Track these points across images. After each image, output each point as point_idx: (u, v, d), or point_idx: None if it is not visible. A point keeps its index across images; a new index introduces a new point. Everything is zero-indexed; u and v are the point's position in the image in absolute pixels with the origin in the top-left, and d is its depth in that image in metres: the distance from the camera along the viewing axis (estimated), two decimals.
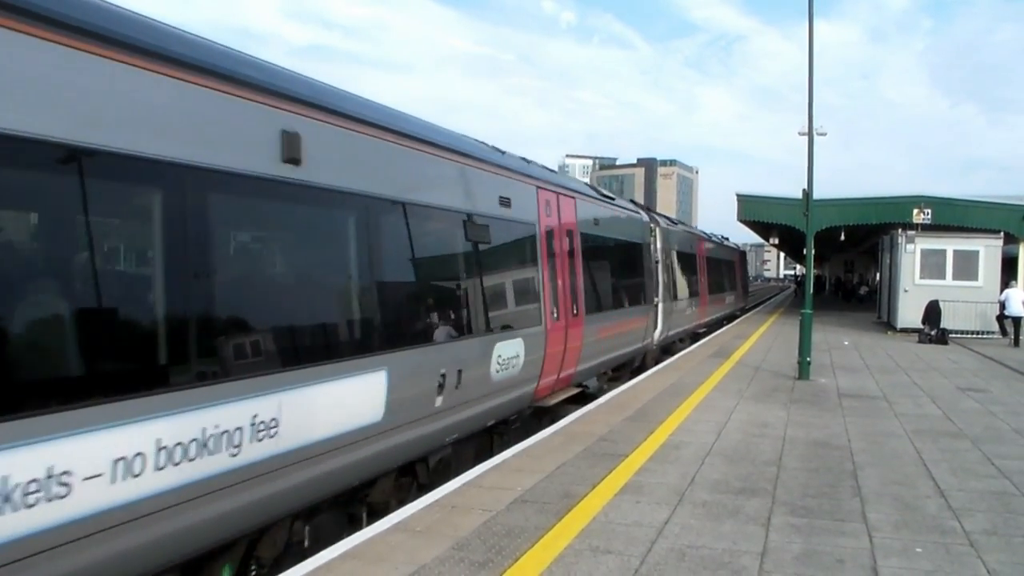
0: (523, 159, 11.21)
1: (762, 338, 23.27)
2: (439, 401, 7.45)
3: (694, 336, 24.37)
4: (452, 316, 8.26)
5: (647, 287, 17.28)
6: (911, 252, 24.95)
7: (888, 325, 27.33)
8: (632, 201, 19.63)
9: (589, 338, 12.26)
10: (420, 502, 6.60)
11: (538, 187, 10.81)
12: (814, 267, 23.41)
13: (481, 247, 8.83)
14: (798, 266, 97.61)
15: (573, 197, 12.39)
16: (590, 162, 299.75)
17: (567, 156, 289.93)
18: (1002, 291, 23.69)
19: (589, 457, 8.19)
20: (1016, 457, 8.68)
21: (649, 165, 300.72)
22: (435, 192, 7.90)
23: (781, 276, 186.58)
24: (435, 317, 7.84)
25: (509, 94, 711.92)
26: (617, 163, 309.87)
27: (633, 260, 16.59)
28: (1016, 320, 22.79)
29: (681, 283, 21.91)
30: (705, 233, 32.63)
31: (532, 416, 11.06)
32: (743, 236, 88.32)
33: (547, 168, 12.28)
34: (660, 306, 18.60)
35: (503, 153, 10.35)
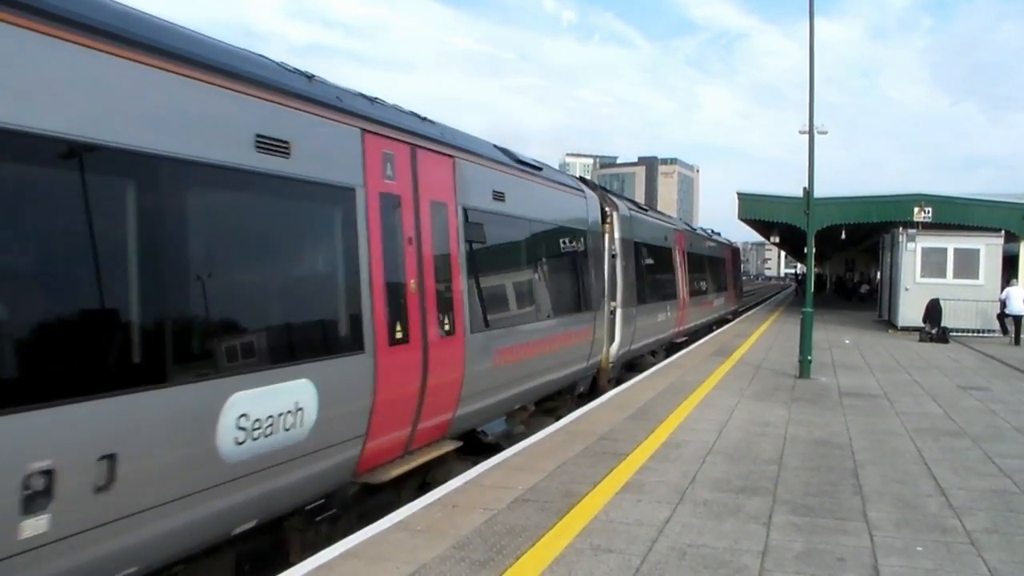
0: (367, 97, 7.32)
1: (763, 337, 23.27)
2: (37, 526, 3.82)
3: (671, 347, 20.77)
4: (77, 349, 4.22)
5: (593, 289, 13.14)
6: (912, 250, 24.94)
7: (889, 323, 27.33)
8: (582, 179, 15.21)
9: (480, 365, 8.53)
10: (421, 501, 6.60)
11: (365, 131, 6.74)
12: (815, 265, 23.37)
13: (192, 217, 5.04)
14: (799, 264, 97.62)
15: (449, 156, 8.24)
16: (591, 160, 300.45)
17: (567, 154, 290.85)
18: (1003, 289, 23.69)
19: (590, 456, 8.19)
20: (1017, 456, 8.68)
21: (650, 164, 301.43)
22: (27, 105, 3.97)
23: (782, 275, 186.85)
24: (20, 354, 3.93)
25: (510, 92, 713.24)
26: (618, 162, 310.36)
27: (570, 253, 12.32)
28: (1017, 318, 22.77)
29: (652, 283, 17.92)
30: (688, 225, 28.99)
31: (364, 492, 7.20)
32: (744, 234, 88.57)
33: (402, 110, 7.96)
34: (619, 313, 14.63)
35: (310, 78, 6.52)
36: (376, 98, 7.51)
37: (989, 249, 24.69)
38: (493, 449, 9.07)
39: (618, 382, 14.44)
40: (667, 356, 18.87)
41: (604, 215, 14.43)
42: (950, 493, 7.14)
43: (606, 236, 14.35)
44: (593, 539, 5.70)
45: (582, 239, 12.92)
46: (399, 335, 6.99)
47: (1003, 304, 23.18)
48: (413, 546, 5.49)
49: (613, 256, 14.61)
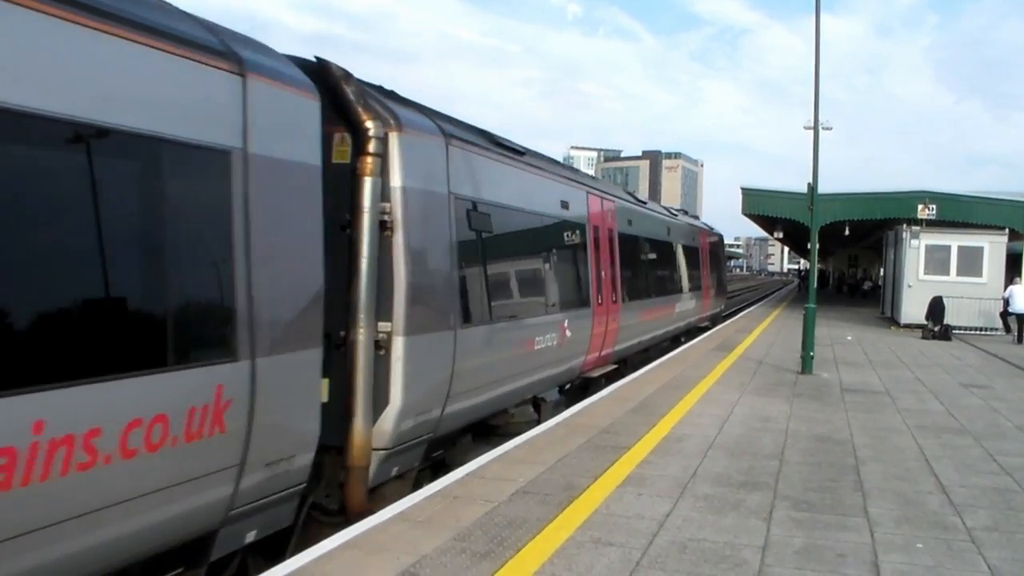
0: None
1: (765, 332, 23.26)
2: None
3: (585, 385, 13.33)
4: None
5: (277, 304, 5.38)
6: (915, 247, 24.92)
7: (892, 320, 27.32)
8: (304, 62, 6.54)
9: None
10: (422, 492, 6.62)
11: None
12: (818, 261, 23.29)
13: None
14: (802, 260, 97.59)
15: None
16: (595, 154, 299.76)
17: (572, 148, 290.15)
18: (1006, 287, 23.68)
19: (591, 449, 8.19)
20: (1018, 454, 8.67)
21: (654, 158, 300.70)
22: None
23: (784, 270, 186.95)
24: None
25: (514, 85, 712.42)
26: (622, 155, 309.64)
27: (149, 222, 4.52)
28: (1020, 317, 22.76)
29: (523, 280, 10.56)
30: (630, 195, 18.56)
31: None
32: (749, 229, 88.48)
33: None
34: (400, 345, 6.92)
35: None
36: None
37: (993, 247, 24.68)
38: None
39: (434, 471, 8.17)
40: (573, 402, 11.49)
41: (362, 136, 6.72)
42: (951, 490, 7.13)
43: (366, 182, 6.69)
44: (594, 532, 5.71)
45: (227, 187, 4.96)
46: None
47: (1006, 302, 23.18)
48: (414, 537, 5.50)
49: (386, 226, 6.94)
